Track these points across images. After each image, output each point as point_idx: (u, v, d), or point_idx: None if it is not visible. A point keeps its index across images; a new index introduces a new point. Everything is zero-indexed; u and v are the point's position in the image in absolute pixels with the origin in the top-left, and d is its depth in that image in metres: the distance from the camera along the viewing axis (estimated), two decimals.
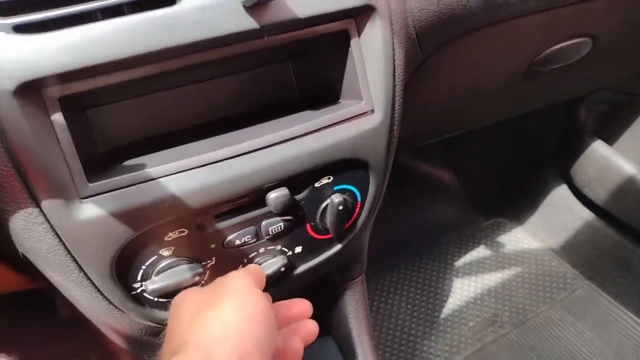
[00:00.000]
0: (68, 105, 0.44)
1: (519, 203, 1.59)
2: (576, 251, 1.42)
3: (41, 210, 0.44)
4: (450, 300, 1.37)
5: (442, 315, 1.34)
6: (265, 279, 0.51)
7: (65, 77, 0.41)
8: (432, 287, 1.41)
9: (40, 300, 0.97)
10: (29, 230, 0.45)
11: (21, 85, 0.39)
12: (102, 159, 0.53)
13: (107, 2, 0.41)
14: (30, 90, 0.40)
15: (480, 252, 1.50)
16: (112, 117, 0.55)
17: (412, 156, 1.64)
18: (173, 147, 0.53)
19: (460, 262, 1.48)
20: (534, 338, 1.27)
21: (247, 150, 0.50)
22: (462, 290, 1.40)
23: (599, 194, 1.32)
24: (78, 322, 0.66)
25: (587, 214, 1.41)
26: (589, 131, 1.32)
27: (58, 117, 0.42)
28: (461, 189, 1.67)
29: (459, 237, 1.56)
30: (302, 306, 0.52)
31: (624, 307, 1.30)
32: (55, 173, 0.42)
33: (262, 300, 0.41)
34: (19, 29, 0.39)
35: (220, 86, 0.60)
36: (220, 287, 0.43)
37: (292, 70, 0.64)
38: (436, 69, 0.75)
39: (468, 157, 1.69)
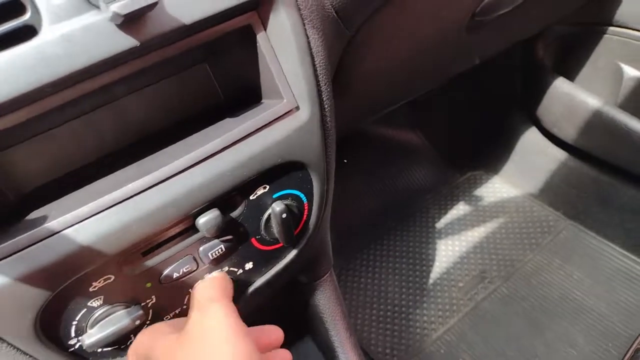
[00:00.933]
0: None
1: (491, 153, 1.56)
2: (555, 193, 1.41)
3: None
4: (437, 264, 1.36)
5: (431, 281, 1.32)
6: (232, 285, 0.49)
7: None
8: (417, 254, 1.39)
9: None
10: None
11: None
12: (14, 208, 0.48)
13: None
14: None
15: (460, 209, 1.48)
16: (18, 161, 0.49)
17: (377, 125, 1.59)
18: (83, 186, 0.47)
19: (441, 223, 1.46)
20: (524, 288, 1.26)
21: (164, 177, 0.45)
22: (447, 252, 1.38)
23: (569, 132, 1.29)
24: None
25: (560, 154, 1.38)
26: (549, 69, 1.28)
27: None
28: (432, 148, 1.63)
29: (436, 197, 1.53)
30: (276, 334, 0.51)
31: (609, 241, 1.29)
32: None
33: (245, 348, 0.38)
34: None
35: (133, 103, 0.54)
36: (196, 331, 0.40)
37: (211, 73, 0.58)
38: (371, 40, 0.70)
39: (434, 115, 1.64)
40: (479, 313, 1.22)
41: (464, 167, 1.60)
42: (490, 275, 1.30)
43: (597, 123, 1.19)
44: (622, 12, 1.11)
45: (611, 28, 1.17)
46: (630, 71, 1.16)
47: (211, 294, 0.44)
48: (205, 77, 0.58)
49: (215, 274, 0.52)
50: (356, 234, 1.46)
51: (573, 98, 1.23)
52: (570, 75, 1.28)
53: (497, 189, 1.52)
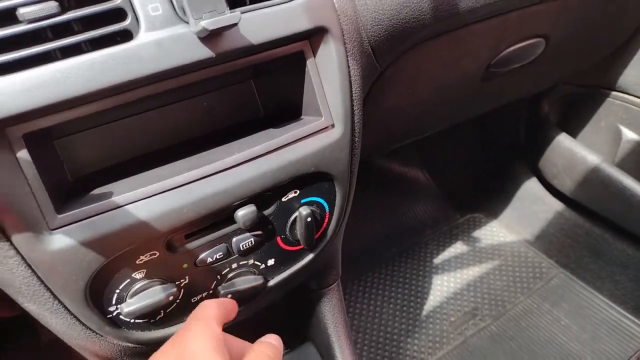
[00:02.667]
0: (33, 139, 0.45)
1: (492, 198, 1.63)
2: (549, 241, 1.47)
3: (12, 243, 0.45)
4: (431, 297, 1.41)
5: (424, 312, 1.37)
6: (236, 308, 0.53)
7: (28, 115, 0.42)
8: (413, 285, 1.44)
9: (22, 326, 0.98)
10: (0, 263, 0.46)
11: None
12: (72, 187, 0.54)
13: (65, 41, 0.43)
14: None
15: (457, 247, 1.54)
16: (80, 146, 0.56)
17: (387, 158, 1.67)
18: (141, 171, 0.54)
19: (439, 259, 1.51)
20: (513, 328, 1.31)
21: (213, 172, 0.52)
22: (442, 286, 1.43)
23: (567, 185, 1.37)
24: (60, 347, 0.67)
25: (557, 205, 1.46)
26: (553, 125, 1.37)
27: (23, 154, 0.43)
28: (436, 187, 1.71)
29: (436, 234, 1.59)
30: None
31: (598, 292, 1.34)
32: (23, 208, 0.43)
33: None
34: None
35: (187, 109, 0.62)
36: (181, 351, 0.42)
37: (255, 90, 0.66)
38: (397, 77, 0.78)
39: (441, 155, 1.73)
40: (467, 348, 1.27)
41: (464, 209, 1.67)
42: (482, 313, 1.35)
43: (594, 178, 1.26)
44: (625, 79, 1.20)
45: (614, 92, 1.26)
46: (628, 134, 1.24)
47: (197, 313, 0.47)
48: (249, 93, 0.66)
49: (214, 300, 0.52)
50: (356, 260, 1.52)
51: (574, 153, 1.31)
52: (573, 132, 1.37)
53: (494, 232, 1.58)
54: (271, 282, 0.64)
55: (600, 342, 1.23)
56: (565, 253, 1.43)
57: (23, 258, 0.46)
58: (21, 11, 0.41)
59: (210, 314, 0.47)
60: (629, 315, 1.27)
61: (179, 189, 0.50)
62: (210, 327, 0.44)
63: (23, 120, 0.43)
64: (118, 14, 0.45)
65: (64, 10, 0.43)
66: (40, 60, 0.42)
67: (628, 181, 1.19)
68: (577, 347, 1.22)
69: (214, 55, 0.47)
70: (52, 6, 0.42)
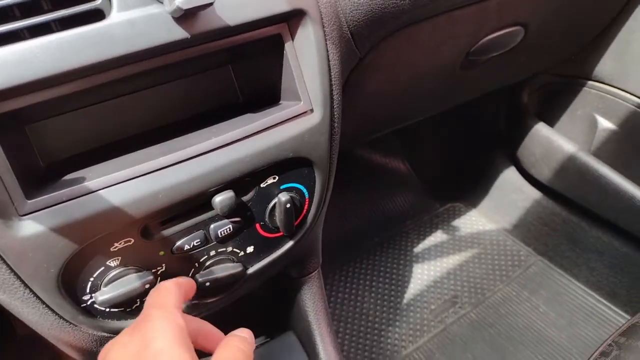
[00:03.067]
0: (2, 123, 0.44)
1: (472, 187, 1.65)
2: (527, 229, 1.49)
3: None
4: (412, 285, 1.42)
5: (405, 301, 1.38)
6: (194, 285, 0.53)
7: None
8: (394, 274, 1.45)
9: None
10: None
11: None
12: (45, 173, 0.53)
13: (34, 20, 0.41)
14: None
15: (438, 237, 1.56)
16: (53, 132, 0.54)
17: (368, 149, 1.67)
18: (116, 157, 0.53)
19: (419, 248, 1.53)
20: (492, 315, 1.32)
21: (189, 156, 0.51)
22: (422, 275, 1.44)
23: (545, 174, 1.39)
24: (37, 341, 0.65)
25: (535, 194, 1.48)
26: (531, 114, 1.38)
27: None
28: (416, 177, 1.72)
29: (417, 223, 1.61)
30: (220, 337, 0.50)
31: (574, 278, 1.37)
32: None
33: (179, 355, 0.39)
34: None
35: (163, 93, 0.60)
36: (142, 345, 0.40)
37: (233, 74, 0.64)
38: (376, 64, 0.78)
39: (421, 145, 1.73)
40: (447, 335, 1.28)
41: (444, 198, 1.68)
42: (461, 301, 1.36)
43: (571, 167, 1.28)
44: (601, 69, 1.22)
45: (590, 82, 1.28)
46: (604, 122, 1.26)
47: (156, 300, 0.45)
48: (227, 78, 0.65)
49: (171, 281, 0.50)
50: (337, 250, 1.52)
51: (551, 142, 1.33)
52: (551, 122, 1.39)
53: (474, 221, 1.60)
54: (250, 270, 0.64)
55: (576, 327, 1.26)
56: (542, 241, 1.45)
57: None
58: None
59: (170, 301, 0.45)
60: (604, 301, 1.30)
61: (153, 174, 0.49)
62: (171, 316, 0.42)
63: None
64: None
65: None
66: (6, 40, 0.41)
67: (604, 169, 1.21)
68: (554, 333, 1.25)
69: (189, 36, 0.46)
70: None
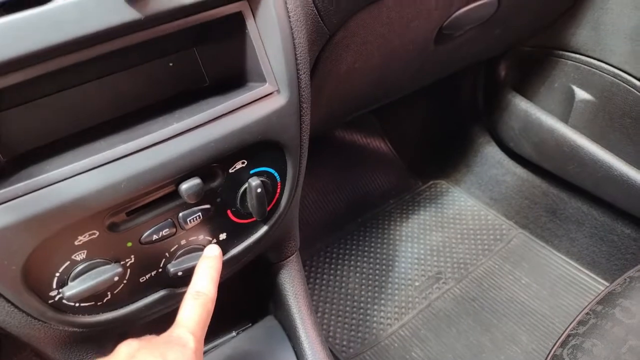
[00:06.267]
0: None
1: (452, 164, 1.65)
2: (508, 203, 1.50)
3: None
4: (397, 264, 1.42)
5: (390, 279, 1.38)
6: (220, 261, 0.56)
7: None
8: (378, 253, 1.46)
9: None
10: None
11: None
12: (4, 168, 0.51)
13: None
14: None
15: (420, 215, 1.56)
16: (11, 124, 0.52)
17: (347, 129, 1.66)
18: (78, 147, 0.51)
19: (402, 227, 1.53)
20: (476, 289, 1.34)
21: (150, 144, 0.49)
22: (406, 253, 1.45)
23: (524, 147, 1.39)
24: (14, 339, 0.64)
25: (514, 167, 1.48)
26: (509, 88, 1.38)
27: None
28: (397, 156, 1.71)
29: (399, 202, 1.61)
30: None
31: (555, 249, 1.39)
32: None
33: None
34: None
35: (127, 80, 0.58)
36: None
37: (199, 57, 0.62)
38: (347, 42, 0.76)
39: (401, 125, 1.72)
40: (432, 311, 1.29)
41: (426, 176, 1.68)
42: (445, 277, 1.37)
43: (549, 139, 1.28)
44: (576, 39, 1.21)
45: (566, 53, 1.27)
46: (580, 93, 1.26)
47: (191, 324, 0.48)
48: (193, 61, 0.62)
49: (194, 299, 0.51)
50: (320, 231, 1.52)
51: (529, 115, 1.33)
52: (529, 95, 1.38)
53: (456, 197, 1.60)
54: (225, 257, 0.63)
55: (558, 298, 1.28)
56: (523, 214, 1.46)
57: None
58: None
59: (204, 325, 0.49)
60: (585, 270, 1.32)
61: (114, 163, 0.47)
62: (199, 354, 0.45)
63: None
64: None
65: None
66: None
67: (582, 140, 1.21)
68: (537, 304, 1.26)
69: (142, 17, 0.44)
70: None
